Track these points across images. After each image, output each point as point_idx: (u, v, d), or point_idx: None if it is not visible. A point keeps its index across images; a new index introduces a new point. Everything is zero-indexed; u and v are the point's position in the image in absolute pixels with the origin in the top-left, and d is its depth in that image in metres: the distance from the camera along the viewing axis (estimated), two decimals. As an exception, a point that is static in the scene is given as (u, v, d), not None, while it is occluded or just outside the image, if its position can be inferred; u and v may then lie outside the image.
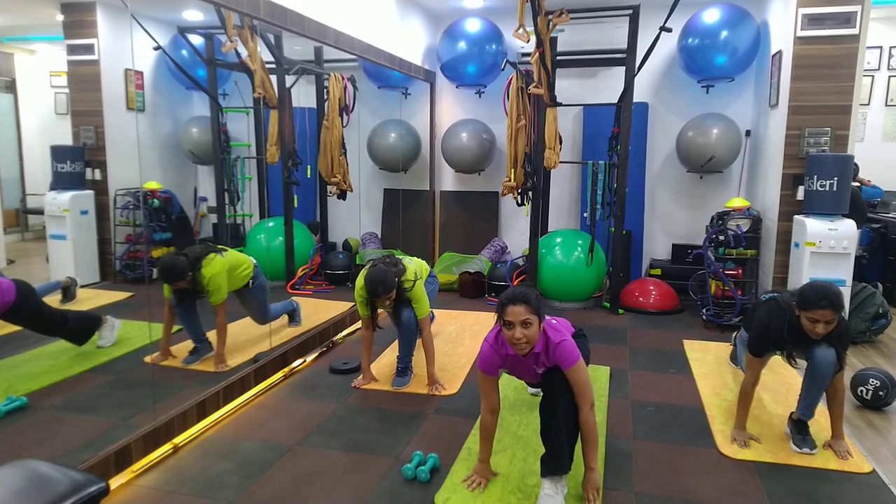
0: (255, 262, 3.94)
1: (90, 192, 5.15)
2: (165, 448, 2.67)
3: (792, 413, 2.88)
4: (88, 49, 4.95)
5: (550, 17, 4.32)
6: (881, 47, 6.05)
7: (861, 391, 3.28)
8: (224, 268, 3.57)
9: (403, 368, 3.52)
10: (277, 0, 3.53)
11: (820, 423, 2.94)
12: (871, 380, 3.26)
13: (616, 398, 3.35)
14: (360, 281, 3.36)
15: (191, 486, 2.45)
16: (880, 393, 3.23)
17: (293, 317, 4.43)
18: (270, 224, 6.00)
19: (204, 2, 3.57)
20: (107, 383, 3.48)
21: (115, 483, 2.41)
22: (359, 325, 4.58)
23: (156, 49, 4.98)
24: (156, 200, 5.43)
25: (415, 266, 3.53)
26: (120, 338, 4.14)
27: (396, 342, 3.62)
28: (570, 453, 2.33)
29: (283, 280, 5.61)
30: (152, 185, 5.52)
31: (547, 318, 2.35)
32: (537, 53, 4.46)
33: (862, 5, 4.18)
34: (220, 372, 3.49)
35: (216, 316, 3.59)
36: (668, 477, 2.57)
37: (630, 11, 4.73)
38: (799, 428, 2.81)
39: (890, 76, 6.10)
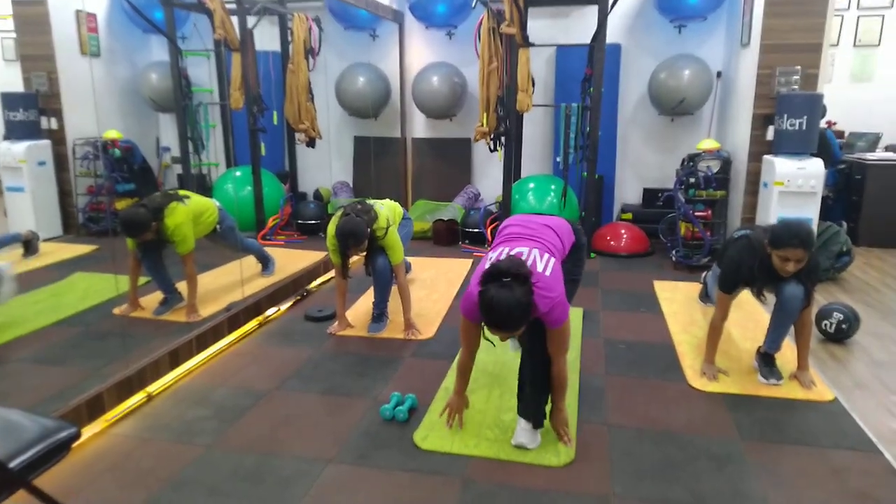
0: (218, 204, 3.84)
1: (47, 142, 4.94)
2: (139, 396, 2.64)
3: (759, 347, 2.96)
4: (33, -13, 4.66)
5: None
6: (852, -13, 6.02)
7: (825, 325, 3.38)
8: (188, 217, 3.47)
9: (379, 314, 3.51)
10: None
11: (785, 355, 3.02)
12: (834, 314, 3.36)
13: (588, 338, 3.40)
14: (331, 229, 3.30)
15: (166, 433, 2.44)
16: (843, 326, 3.33)
17: (266, 265, 4.36)
18: (237, 174, 5.84)
19: None
20: (76, 335, 3.42)
21: (88, 431, 2.39)
22: (333, 273, 4.55)
23: (107, -15, 4.70)
24: (117, 150, 5.23)
25: (387, 211, 3.47)
26: (87, 290, 4.05)
27: (371, 289, 3.61)
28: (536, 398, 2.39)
29: (253, 231, 5.52)
30: (112, 133, 5.31)
31: (542, 242, 2.33)
32: (509, -9, 4.32)
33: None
34: (192, 322, 3.44)
35: (184, 266, 3.51)
36: (640, 409, 2.63)
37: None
38: (766, 360, 2.90)
39: (859, 16, 6.10)
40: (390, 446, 2.35)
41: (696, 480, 2.15)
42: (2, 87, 4.79)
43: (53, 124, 4.97)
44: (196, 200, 3.65)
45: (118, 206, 5.25)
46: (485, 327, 2.19)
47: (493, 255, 2.28)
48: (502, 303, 1.97)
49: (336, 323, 3.50)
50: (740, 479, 2.16)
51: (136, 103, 5.70)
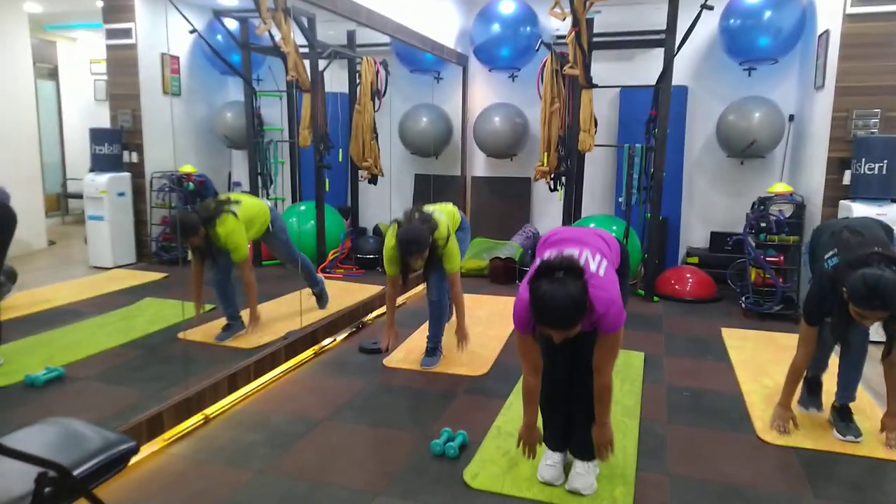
0: (270, 204, 3.96)
1: (127, 174, 5.24)
2: (196, 418, 2.69)
3: (833, 402, 2.76)
4: (126, 33, 5.03)
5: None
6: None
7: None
8: (239, 225, 3.54)
9: (433, 348, 3.49)
10: None
11: (865, 411, 2.82)
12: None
13: (650, 383, 3.26)
14: (389, 239, 3.21)
15: (220, 456, 2.46)
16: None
17: (321, 297, 4.42)
18: (302, 208, 6.02)
19: None
20: (141, 357, 3.53)
21: (146, 450, 2.44)
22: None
23: (192, 33, 5.02)
24: (191, 183, 5.49)
25: (446, 218, 3.37)
26: (154, 315, 4.21)
27: (426, 323, 3.59)
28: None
29: (314, 263, 5.64)
30: (187, 168, 5.59)
31: (593, 246, 2.16)
32: (573, 32, 4.36)
33: None
34: (254, 328, 3.62)
35: (242, 273, 3.59)
36: (704, 461, 2.49)
37: (670, -10, 4.59)
38: (841, 415, 2.70)
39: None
40: (439, 482, 2.29)
41: (766, 539, 1.99)
42: (91, 124, 5.14)
43: (134, 158, 5.28)
44: (247, 204, 3.74)
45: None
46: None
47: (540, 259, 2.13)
48: (556, 296, 1.84)
49: (385, 335, 3.39)
50: (816, 541, 1.99)
51: (210, 140, 6.00)
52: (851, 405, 2.72)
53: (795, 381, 2.66)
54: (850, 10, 4.13)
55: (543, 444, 2.34)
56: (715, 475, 2.37)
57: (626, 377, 3.27)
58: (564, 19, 4.09)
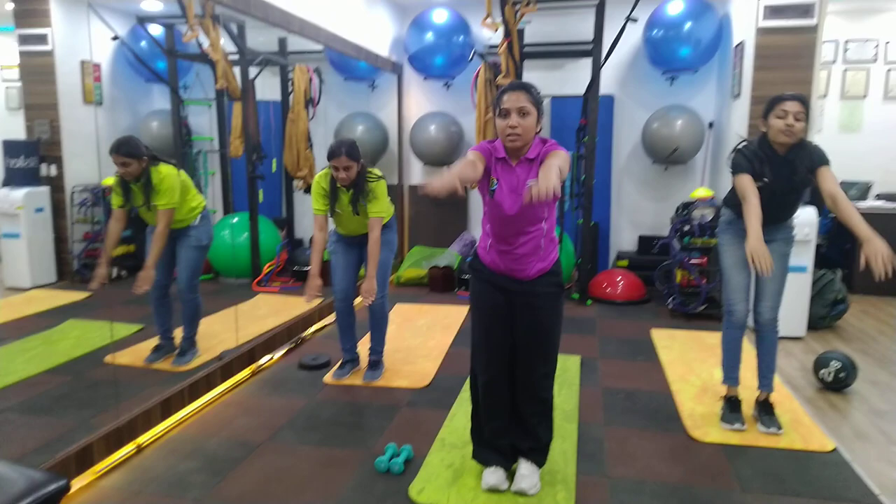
0: (207, 212, 3.70)
1: (45, 189, 4.96)
2: (128, 448, 2.59)
3: (757, 395, 2.93)
4: (41, 39, 4.77)
5: (518, 6, 4.31)
6: (837, 41, 6.20)
7: (823, 374, 3.36)
8: (178, 180, 3.36)
9: (375, 362, 3.48)
10: None
11: (784, 404, 3.02)
12: (832, 362, 3.35)
13: (587, 386, 3.37)
14: (318, 175, 3.24)
15: (156, 486, 2.38)
16: (841, 375, 3.31)
17: (184, 353, 3.61)
18: (235, 220, 5.87)
19: None
20: (66, 384, 3.36)
21: (76, 484, 2.33)
22: (328, 320, 4.53)
23: (114, 39, 4.82)
24: (115, 196, 5.26)
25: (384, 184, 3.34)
26: (79, 338, 4.01)
27: (368, 335, 3.58)
28: (549, 444, 2.38)
29: (248, 277, 5.51)
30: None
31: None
32: (505, 44, 4.45)
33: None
34: (139, 292, 3.30)
35: (158, 223, 3.32)
36: (639, 461, 2.59)
37: (597, 2, 4.75)
38: (765, 409, 2.87)
39: (845, 69, 6.26)
40: (385, 500, 2.29)
41: (699, 536, 2.10)
42: (4, 135, 4.85)
43: (53, 171, 5.01)
44: (192, 184, 3.59)
45: (115, 252, 5.26)
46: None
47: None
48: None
49: (308, 287, 3.27)
50: (743, 534, 2.11)
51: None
52: (772, 398, 2.89)
53: (754, 213, 2.54)
54: (762, 24, 4.39)
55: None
56: (650, 475, 2.48)
57: (564, 382, 3.37)
58: (497, 30, 4.17)
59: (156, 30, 5.25)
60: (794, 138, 2.58)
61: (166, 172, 3.32)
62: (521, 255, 2.21)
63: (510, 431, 2.37)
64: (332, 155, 3.10)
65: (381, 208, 3.26)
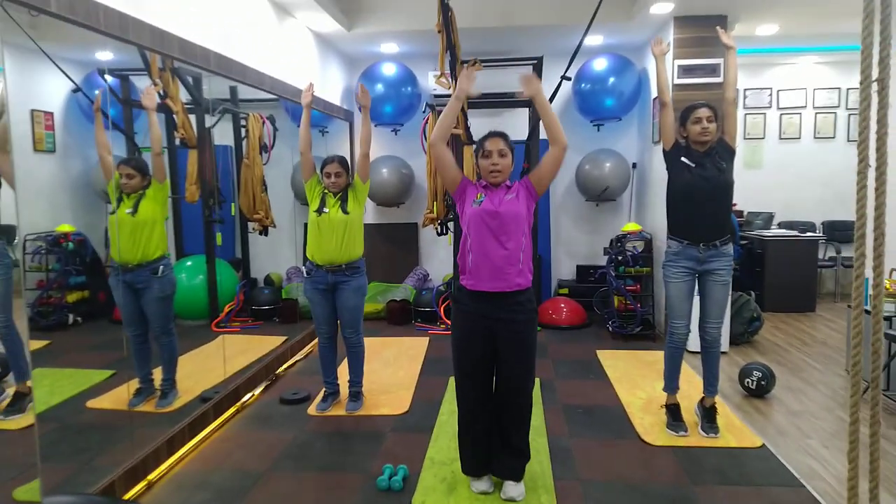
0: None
1: (-3, 239, 4.94)
2: (141, 485, 2.74)
3: (702, 399, 3.40)
4: (-9, 89, 4.81)
5: (466, 65, 4.77)
6: (738, 89, 7.05)
7: (747, 382, 3.90)
8: (165, 194, 3.72)
9: (356, 393, 3.74)
10: (202, 43, 3.74)
11: (717, 410, 3.51)
12: (754, 372, 3.89)
13: (549, 405, 3.76)
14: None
15: (176, 517, 2.55)
16: (762, 383, 3.86)
17: (165, 394, 3.66)
18: (189, 263, 5.96)
19: (128, 43, 3.62)
20: (53, 431, 3.41)
21: (99, 522, 2.47)
22: (299, 356, 4.72)
23: (75, 92, 4.92)
24: (70, 243, 5.27)
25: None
26: (52, 387, 4.03)
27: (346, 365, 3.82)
28: (527, 457, 2.74)
29: (206, 319, 5.60)
30: (65, 227, 5.36)
31: None
32: (456, 97, 4.89)
33: (725, 57, 4.98)
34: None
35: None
36: (605, 465, 2.98)
37: (535, 61, 5.30)
38: (708, 416, 3.34)
39: (745, 114, 7.14)
40: (392, 513, 2.57)
41: (662, 521, 2.50)
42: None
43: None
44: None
45: (70, 298, 5.25)
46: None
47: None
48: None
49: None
50: (697, 517, 2.53)
51: (87, 196, 5.76)
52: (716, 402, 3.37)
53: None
54: (677, 81, 5.05)
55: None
56: (615, 476, 2.87)
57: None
58: (450, 87, 4.60)
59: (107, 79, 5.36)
60: (711, 136, 3.18)
61: (157, 191, 3.71)
62: (500, 267, 2.53)
63: (493, 448, 2.72)
64: (325, 163, 3.60)
65: (363, 194, 3.71)
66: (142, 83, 4.97)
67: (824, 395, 3.92)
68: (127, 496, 2.62)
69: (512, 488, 2.65)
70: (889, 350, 3.72)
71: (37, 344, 4.69)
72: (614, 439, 3.28)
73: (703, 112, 3.15)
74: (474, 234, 2.57)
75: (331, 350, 3.71)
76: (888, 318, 3.83)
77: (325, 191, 3.65)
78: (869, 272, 1.39)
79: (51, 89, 5.08)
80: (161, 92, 4.96)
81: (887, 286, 3.95)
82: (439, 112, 5.53)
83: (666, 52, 3.38)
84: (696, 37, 5.01)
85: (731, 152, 3.23)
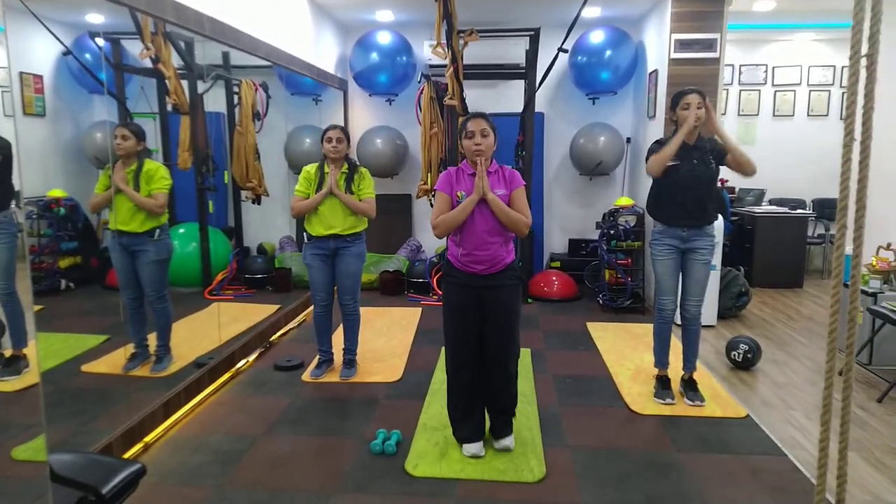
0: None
1: (-13, 203, 4.90)
2: (138, 447, 2.79)
3: (683, 374, 3.49)
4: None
5: (462, 35, 4.74)
6: (733, 65, 7.06)
7: (734, 355, 3.98)
8: (167, 174, 3.72)
9: (350, 360, 3.79)
10: (196, 6, 3.69)
11: (703, 381, 3.59)
12: (740, 346, 3.97)
13: (540, 374, 3.83)
14: (308, 165, 3.77)
15: (173, 478, 2.61)
16: (748, 356, 3.94)
17: (160, 358, 3.70)
18: (181, 230, 5.95)
19: (120, 4, 3.56)
20: (50, 393, 3.44)
21: (98, 481, 2.51)
22: (292, 324, 4.76)
23: (66, 55, 4.84)
24: (61, 209, 5.24)
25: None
26: (46, 351, 4.05)
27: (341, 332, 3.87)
28: (514, 410, 2.89)
29: (198, 286, 5.62)
30: (57, 192, 5.32)
31: None
32: (452, 69, 4.86)
33: (721, 32, 4.98)
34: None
35: (148, 203, 3.68)
36: (593, 432, 3.06)
37: (532, 32, 5.27)
38: (690, 386, 3.42)
39: (740, 90, 7.14)
40: (385, 476, 2.64)
41: (648, 486, 2.58)
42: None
43: (-5, 185, 4.95)
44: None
45: (62, 264, 5.24)
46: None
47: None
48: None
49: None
50: (681, 483, 2.61)
51: (79, 162, 5.71)
52: (695, 377, 3.45)
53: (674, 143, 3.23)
54: (674, 56, 5.05)
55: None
56: (602, 443, 2.95)
57: (520, 372, 3.79)
58: (446, 57, 4.57)
59: (98, 42, 5.29)
60: (699, 122, 3.19)
61: (158, 165, 3.67)
62: (484, 258, 2.70)
63: (481, 409, 2.86)
64: (327, 129, 3.68)
65: (370, 190, 3.73)
66: (134, 47, 4.92)
67: (808, 368, 4.02)
68: (124, 457, 2.66)
69: (505, 440, 2.83)
70: (873, 325, 3.80)
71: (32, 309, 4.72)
72: (602, 408, 3.36)
73: (693, 98, 3.17)
74: (463, 232, 2.73)
75: (326, 318, 3.75)
76: (873, 294, 3.92)
77: (326, 172, 3.67)
78: (850, 245, 1.43)
79: (40, 52, 5.01)
80: (153, 56, 4.91)
81: (873, 263, 4.03)
82: (435, 82, 5.53)
83: (702, 119, 3.21)
84: (694, 11, 4.99)
85: (721, 154, 3.27)
